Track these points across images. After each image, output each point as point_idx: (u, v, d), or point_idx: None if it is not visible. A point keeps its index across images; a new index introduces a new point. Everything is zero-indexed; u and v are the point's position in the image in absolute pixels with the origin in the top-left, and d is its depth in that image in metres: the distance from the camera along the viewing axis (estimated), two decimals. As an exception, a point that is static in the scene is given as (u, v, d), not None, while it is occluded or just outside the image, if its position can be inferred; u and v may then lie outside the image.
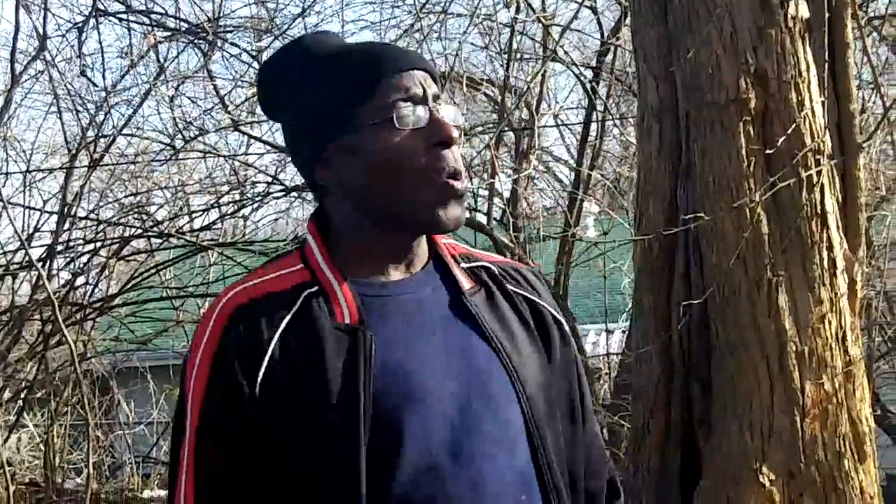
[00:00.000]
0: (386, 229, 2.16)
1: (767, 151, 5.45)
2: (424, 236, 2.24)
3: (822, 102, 5.65)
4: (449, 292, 2.21)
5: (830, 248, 5.50)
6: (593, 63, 12.71)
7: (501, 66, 12.91)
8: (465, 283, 2.23)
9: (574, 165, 13.28)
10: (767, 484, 5.27)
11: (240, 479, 2.03)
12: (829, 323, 5.45)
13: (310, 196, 13.89)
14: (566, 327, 2.35)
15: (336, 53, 2.21)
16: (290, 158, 2.32)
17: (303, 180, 2.29)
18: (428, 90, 2.15)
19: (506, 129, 11.98)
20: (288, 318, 2.07)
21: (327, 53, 2.21)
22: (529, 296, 2.30)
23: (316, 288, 2.11)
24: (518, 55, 13.01)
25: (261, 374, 2.02)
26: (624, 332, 13.24)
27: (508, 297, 2.27)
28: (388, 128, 2.09)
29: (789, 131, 5.44)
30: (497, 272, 2.30)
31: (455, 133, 2.14)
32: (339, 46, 2.25)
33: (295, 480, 2.01)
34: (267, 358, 2.02)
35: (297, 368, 2.03)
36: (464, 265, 2.27)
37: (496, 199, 12.79)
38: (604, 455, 2.42)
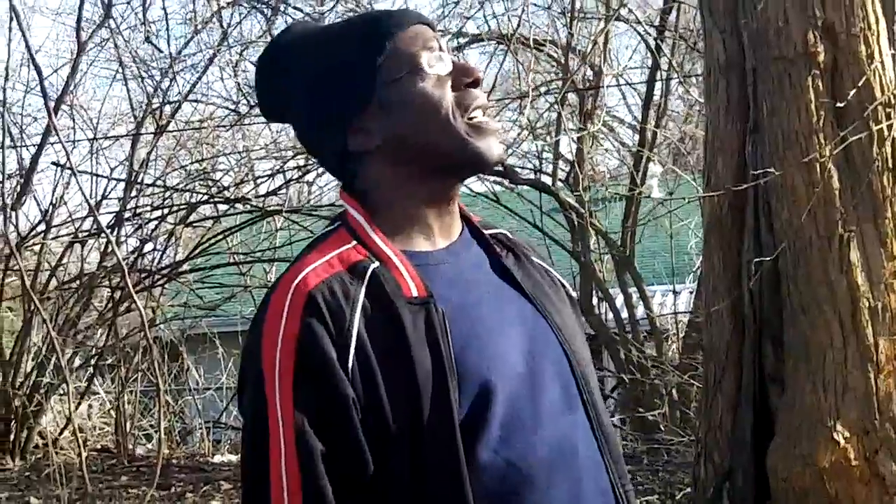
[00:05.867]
0: (433, 176, 2.14)
1: (837, 105, 5.40)
2: (457, 206, 2.22)
3: (893, 55, 5.58)
4: (488, 257, 2.22)
5: (903, 202, 5.44)
6: (657, 21, 12.62)
7: (564, 25, 12.87)
8: (497, 248, 2.24)
9: (638, 125, 13.23)
10: (842, 441, 5.23)
11: (343, 461, 1.96)
12: (903, 278, 5.40)
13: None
14: (573, 294, 2.39)
15: (335, 29, 2.22)
16: (308, 154, 2.31)
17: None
18: (440, 41, 2.17)
19: (570, 89, 11.93)
20: (362, 295, 2.01)
21: (325, 31, 2.22)
22: (542, 263, 2.32)
23: (377, 263, 2.07)
24: (581, 15, 12.96)
25: (351, 353, 1.96)
26: (691, 292, 13.18)
27: (531, 263, 2.28)
28: (419, 76, 2.10)
29: (859, 85, 5.39)
30: (513, 239, 2.31)
31: (480, 74, 2.16)
32: (332, 25, 2.26)
33: (394, 455, 1.97)
34: (354, 336, 1.97)
35: (382, 346, 1.99)
36: (487, 232, 2.27)
37: (561, 161, 12.76)
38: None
